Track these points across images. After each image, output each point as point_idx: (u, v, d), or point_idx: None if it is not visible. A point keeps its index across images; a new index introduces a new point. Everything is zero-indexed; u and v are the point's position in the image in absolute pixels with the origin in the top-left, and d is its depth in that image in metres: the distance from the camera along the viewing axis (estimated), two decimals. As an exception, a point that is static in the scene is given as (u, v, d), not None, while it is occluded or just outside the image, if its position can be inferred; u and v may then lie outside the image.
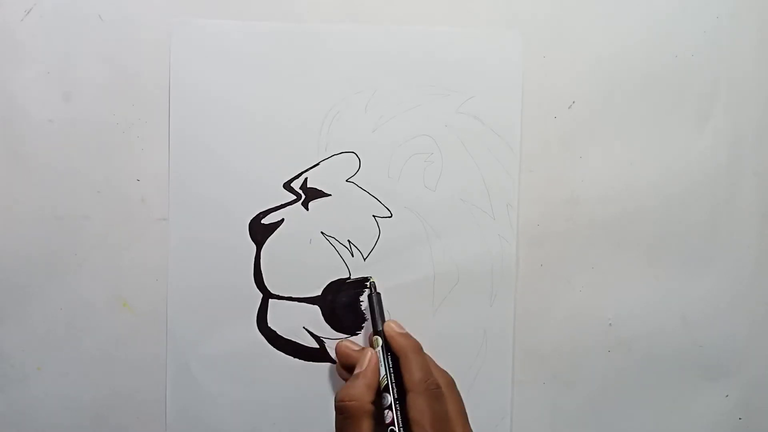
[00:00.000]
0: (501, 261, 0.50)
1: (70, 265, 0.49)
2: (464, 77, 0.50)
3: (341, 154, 0.49)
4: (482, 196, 0.50)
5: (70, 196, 0.49)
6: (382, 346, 0.46)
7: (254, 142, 0.49)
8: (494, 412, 0.51)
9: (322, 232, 0.50)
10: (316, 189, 0.49)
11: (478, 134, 0.50)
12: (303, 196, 0.49)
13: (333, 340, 0.50)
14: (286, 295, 0.50)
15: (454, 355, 0.50)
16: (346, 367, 0.47)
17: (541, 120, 0.50)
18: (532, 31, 0.50)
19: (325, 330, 0.50)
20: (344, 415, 0.42)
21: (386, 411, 0.42)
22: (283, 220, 0.49)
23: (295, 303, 0.50)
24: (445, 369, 0.47)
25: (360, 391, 0.43)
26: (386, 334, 0.46)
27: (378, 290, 0.49)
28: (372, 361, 0.45)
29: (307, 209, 0.49)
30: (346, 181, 0.50)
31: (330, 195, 0.50)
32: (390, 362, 0.45)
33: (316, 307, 0.50)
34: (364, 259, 0.50)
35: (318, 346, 0.50)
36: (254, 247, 0.49)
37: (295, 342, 0.50)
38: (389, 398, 0.43)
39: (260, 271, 0.49)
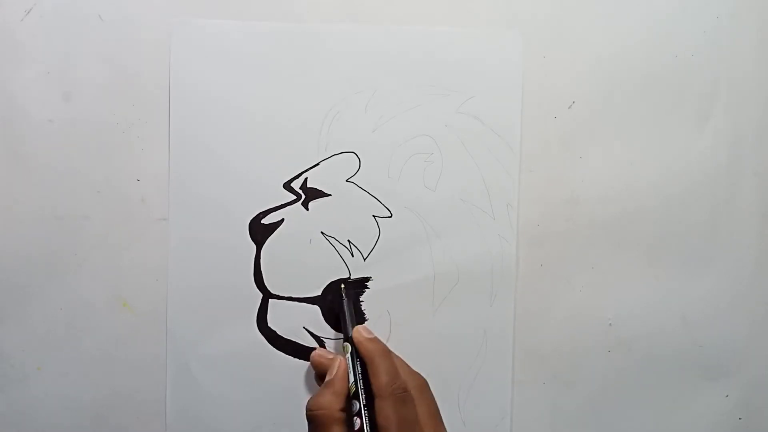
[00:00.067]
0: (501, 261, 0.50)
1: (70, 265, 0.49)
2: (464, 77, 0.50)
3: (341, 154, 0.49)
4: (482, 196, 0.50)
5: (70, 196, 0.49)
6: (351, 353, 0.45)
7: (254, 142, 0.49)
8: (494, 412, 0.51)
9: (322, 232, 0.50)
10: (316, 189, 0.49)
11: (478, 134, 0.50)
12: (303, 196, 0.49)
13: (333, 340, 0.50)
14: (286, 295, 0.50)
15: (454, 355, 0.50)
16: (321, 376, 0.47)
17: (541, 120, 0.50)
18: (532, 31, 0.50)
19: (325, 330, 0.50)
20: (314, 424, 0.42)
21: (355, 418, 0.42)
22: (283, 220, 0.49)
23: (295, 303, 0.50)
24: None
25: (328, 399, 0.43)
26: (354, 339, 0.46)
27: (346, 297, 0.49)
28: (341, 368, 0.45)
29: (307, 209, 0.49)
30: (346, 181, 0.50)
31: (330, 195, 0.50)
32: (359, 369, 0.44)
33: (316, 307, 0.50)
34: (364, 259, 0.50)
35: (318, 346, 0.50)
36: (254, 247, 0.49)
37: (295, 342, 0.50)
38: (358, 405, 0.42)
39: (260, 271, 0.49)
